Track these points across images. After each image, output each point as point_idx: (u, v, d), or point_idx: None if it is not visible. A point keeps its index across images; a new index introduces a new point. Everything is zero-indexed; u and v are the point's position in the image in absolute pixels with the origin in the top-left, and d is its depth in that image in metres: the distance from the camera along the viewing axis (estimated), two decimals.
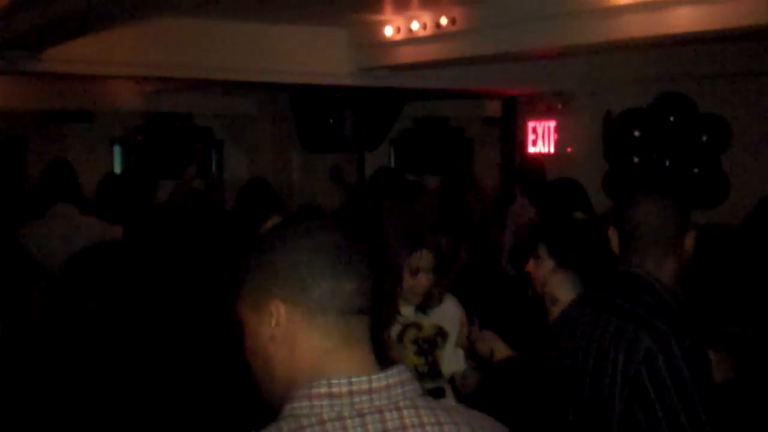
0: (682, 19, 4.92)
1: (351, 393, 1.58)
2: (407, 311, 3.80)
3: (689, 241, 2.69)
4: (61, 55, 6.39)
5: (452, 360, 3.79)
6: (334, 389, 1.58)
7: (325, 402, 1.57)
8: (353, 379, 1.59)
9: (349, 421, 1.56)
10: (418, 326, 3.78)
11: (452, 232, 6.56)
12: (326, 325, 1.65)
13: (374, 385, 1.60)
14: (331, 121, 10.66)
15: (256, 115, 11.72)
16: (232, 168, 12.07)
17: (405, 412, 1.59)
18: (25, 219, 5.01)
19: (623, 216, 2.74)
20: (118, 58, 6.66)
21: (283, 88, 9.89)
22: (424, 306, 3.83)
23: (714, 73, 7.06)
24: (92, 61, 6.62)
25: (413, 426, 1.59)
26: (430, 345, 3.72)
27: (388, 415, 1.58)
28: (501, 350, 3.56)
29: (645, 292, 2.60)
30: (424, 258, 3.80)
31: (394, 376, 1.63)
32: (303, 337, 1.66)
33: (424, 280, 3.79)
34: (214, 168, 11.96)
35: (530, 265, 3.80)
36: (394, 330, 3.74)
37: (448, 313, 3.88)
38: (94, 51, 6.35)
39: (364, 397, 1.58)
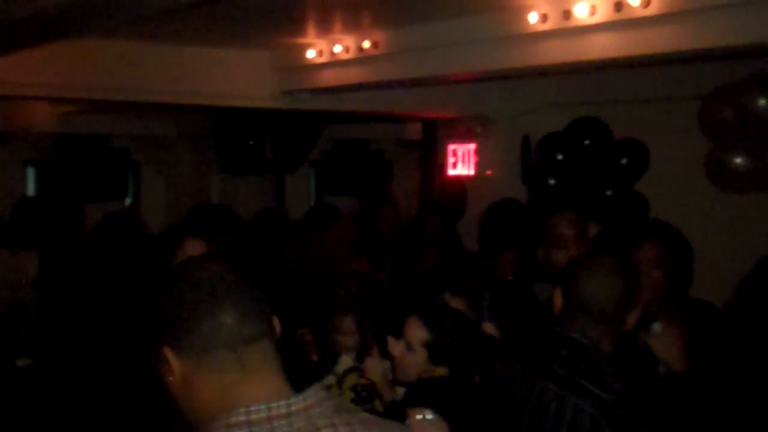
0: (599, 45, 5.06)
1: (270, 418, 1.59)
2: (347, 358, 3.79)
3: (632, 318, 2.77)
4: None
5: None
6: (253, 416, 1.59)
7: (244, 430, 1.57)
8: (272, 405, 1.59)
9: None
10: (360, 371, 3.75)
11: (370, 255, 6.62)
12: (219, 363, 1.64)
13: (293, 408, 1.61)
14: (251, 142, 10.61)
15: (174, 136, 11.55)
16: (149, 190, 11.88)
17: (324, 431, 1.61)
18: None
19: (573, 284, 2.79)
20: (35, 79, 6.51)
21: (203, 109, 9.80)
22: (364, 354, 3.83)
23: (629, 98, 7.25)
24: (8, 82, 6.47)
25: None
26: (369, 393, 3.65)
27: None
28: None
29: (585, 360, 2.62)
30: (346, 324, 3.89)
31: (312, 396, 1.64)
32: (199, 379, 1.66)
33: (348, 341, 3.86)
34: (130, 191, 11.78)
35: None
36: (332, 377, 3.72)
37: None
38: (10, 71, 6.20)
39: (283, 421, 1.59)
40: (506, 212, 6.10)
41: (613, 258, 2.87)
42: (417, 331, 3.31)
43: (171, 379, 1.68)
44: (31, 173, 11.38)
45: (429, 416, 2.84)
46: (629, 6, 4.68)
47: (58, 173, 11.06)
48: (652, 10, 4.59)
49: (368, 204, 8.18)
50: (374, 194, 8.71)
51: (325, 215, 8.08)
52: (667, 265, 3.97)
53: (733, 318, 3.26)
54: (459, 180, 8.39)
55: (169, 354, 1.66)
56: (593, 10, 4.88)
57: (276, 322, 1.75)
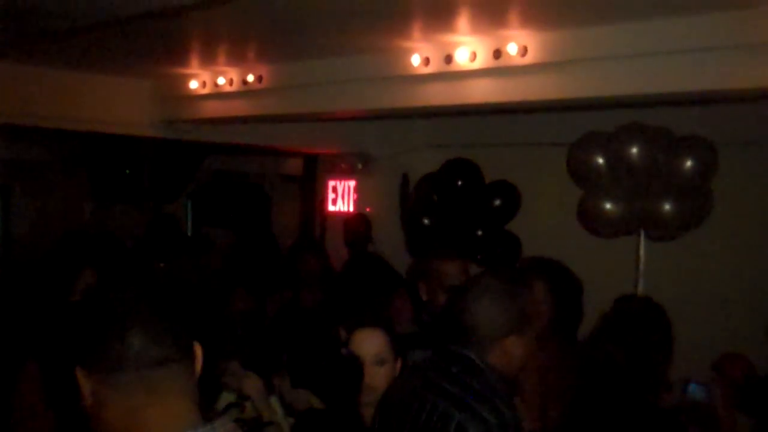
0: (478, 90, 5.23)
1: None
2: (229, 395, 3.78)
3: (517, 346, 2.80)
4: None
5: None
6: None
7: None
8: None
9: None
10: (240, 407, 3.74)
11: (250, 289, 6.58)
12: (124, 385, 1.65)
13: None
14: (127, 171, 10.41)
15: (47, 161, 11.19)
16: (20, 216, 11.46)
17: None
18: None
19: (454, 307, 2.87)
20: None
21: (79, 135, 9.55)
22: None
23: (502, 142, 7.47)
24: None
25: None
26: (251, 428, 3.62)
27: None
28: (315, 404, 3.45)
29: (474, 377, 2.69)
30: (232, 366, 3.84)
31: (218, 428, 1.66)
32: (107, 400, 1.67)
33: (232, 382, 3.81)
34: None
35: None
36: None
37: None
38: None
39: None
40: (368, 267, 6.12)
41: (493, 280, 2.91)
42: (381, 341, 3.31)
43: (84, 401, 1.70)
44: None
45: None
46: (507, 54, 4.87)
47: None
48: (529, 59, 4.79)
49: (247, 237, 8.14)
50: (253, 227, 8.68)
51: (199, 246, 7.97)
52: (551, 303, 4.05)
53: (588, 354, 3.40)
54: (362, 216, 8.37)
55: (80, 375, 1.68)
56: (473, 56, 5.05)
57: (198, 350, 1.76)
